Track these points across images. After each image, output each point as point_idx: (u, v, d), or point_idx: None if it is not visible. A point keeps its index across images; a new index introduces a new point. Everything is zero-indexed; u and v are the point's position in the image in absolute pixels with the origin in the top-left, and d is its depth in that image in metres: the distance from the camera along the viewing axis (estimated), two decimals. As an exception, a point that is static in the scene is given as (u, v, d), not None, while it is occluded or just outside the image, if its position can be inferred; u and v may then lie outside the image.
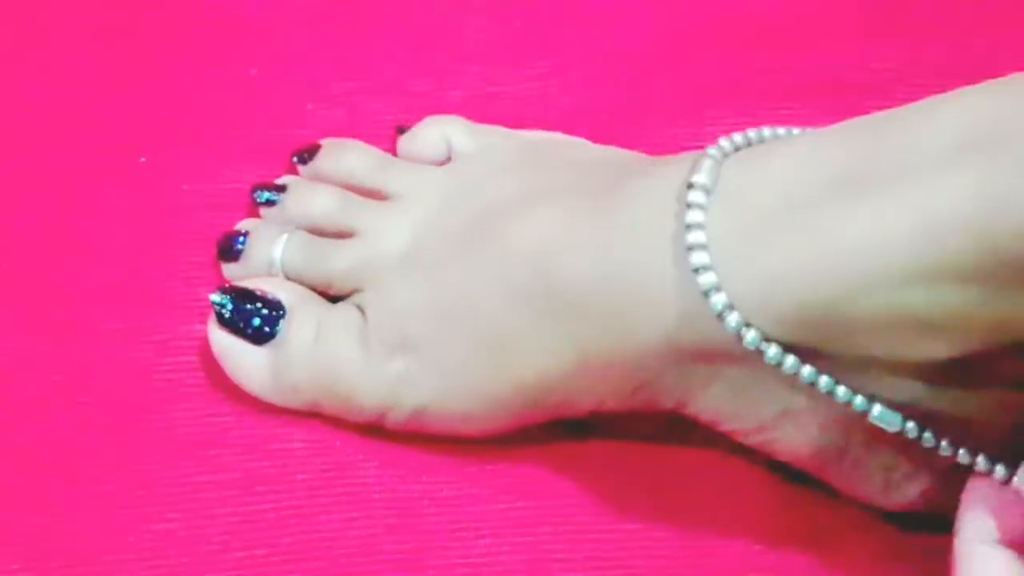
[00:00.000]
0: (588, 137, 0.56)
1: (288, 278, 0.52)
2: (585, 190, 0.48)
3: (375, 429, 0.50)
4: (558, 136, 0.56)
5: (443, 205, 0.51)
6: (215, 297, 0.51)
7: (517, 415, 0.49)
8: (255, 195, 0.55)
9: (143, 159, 0.57)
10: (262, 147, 0.56)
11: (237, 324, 0.51)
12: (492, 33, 0.61)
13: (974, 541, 0.40)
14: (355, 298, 0.51)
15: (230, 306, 0.51)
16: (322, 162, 0.56)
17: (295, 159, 0.56)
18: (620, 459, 0.49)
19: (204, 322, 0.52)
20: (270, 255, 0.53)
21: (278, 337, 0.51)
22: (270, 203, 0.55)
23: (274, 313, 0.51)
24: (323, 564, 0.47)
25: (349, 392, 0.50)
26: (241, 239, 0.54)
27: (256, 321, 0.51)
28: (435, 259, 0.50)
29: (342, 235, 0.53)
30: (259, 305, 0.51)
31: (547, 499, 0.49)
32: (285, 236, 0.53)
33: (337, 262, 0.52)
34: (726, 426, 0.46)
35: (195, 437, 0.50)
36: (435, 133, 0.55)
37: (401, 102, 0.58)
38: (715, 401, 0.45)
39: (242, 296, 0.51)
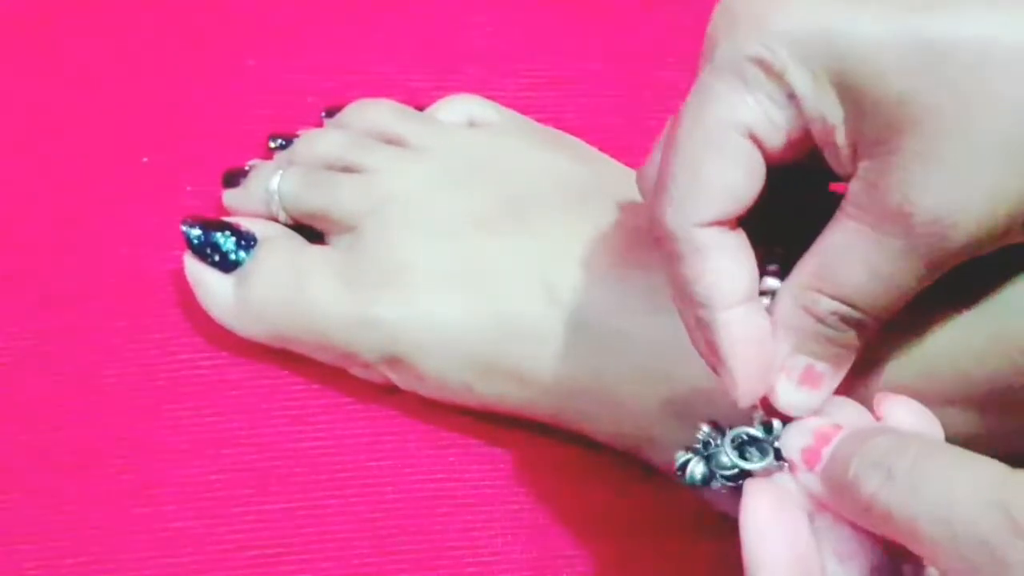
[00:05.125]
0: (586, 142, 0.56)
1: (286, 209, 0.52)
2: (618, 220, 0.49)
3: (389, 429, 0.51)
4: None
5: (466, 164, 0.51)
6: (185, 225, 0.52)
7: (496, 401, 0.49)
8: (270, 142, 0.56)
9: (145, 159, 0.58)
10: (264, 146, 0.56)
11: (204, 251, 0.51)
12: (492, 36, 0.62)
13: None
14: (344, 239, 0.51)
15: (199, 233, 0.51)
16: (347, 113, 0.55)
17: (324, 114, 0.56)
18: (630, 468, 0.50)
19: (207, 320, 0.52)
20: (268, 184, 0.53)
21: (246, 266, 0.51)
22: (283, 149, 0.55)
23: (243, 243, 0.51)
24: (336, 564, 0.48)
25: (321, 329, 0.49)
26: (246, 169, 0.54)
27: (223, 249, 0.51)
28: (460, 219, 0.49)
29: (349, 171, 0.52)
30: (228, 234, 0.51)
31: (558, 503, 0.49)
32: (285, 168, 0.53)
33: (342, 193, 0.51)
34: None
35: (205, 436, 0.51)
36: (458, 107, 0.55)
37: (401, 100, 0.59)
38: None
39: (212, 225, 0.52)
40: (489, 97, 0.56)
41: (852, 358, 0.39)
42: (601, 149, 0.55)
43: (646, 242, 0.46)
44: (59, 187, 0.57)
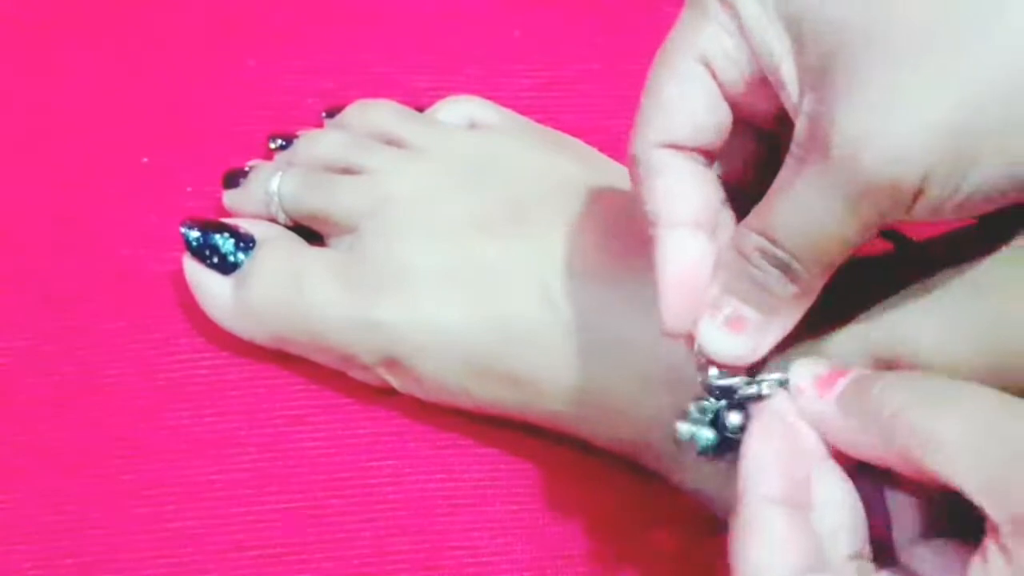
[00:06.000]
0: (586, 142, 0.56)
1: (286, 210, 0.52)
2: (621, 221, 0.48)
3: (389, 430, 0.51)
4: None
5: (466, 166, 0.51)
6: (184, 227, 0.52)
7: (494, 405, 0.49)
8: (270, 142, 0.56)
9: (145, 159, 0.58)
10: (264, 146, 0.56)
11: (203, 253, 0.51)
12: (491, 38, 0.62)
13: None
14: (344, 240, 0.51)
15: (198, 235, 0.51)
16: (348, 114, 0.55)
17: (324, 115, 0.56)
18: (629, 468, 0.49)
19: (207, 320, 0.52)
20: (267, 186, 0.53)
21: (245, 267, 0.51)
22: (283, 149, 0.55)
23: (242, 244, 0.51)
24: (337, 564, 0.48)
25: (320, 331, 0.49)
26: (246, 170, 0.54)
27: (222, 250, 0.51)
28: (459, 221, 0.49)
29: (349, 172, 0.52)
30: (227, 235, 0.51)
31: (558, 503, 0.50)
32: (285, 169, 0.53)
33: (342, 194, 0.51)
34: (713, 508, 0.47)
35: (205, 436, 0.51)
36: (458, 108, 0.55)
37: (401, 100, 0.58)
38: (703, 483, 0.46)
39: (211, 227, 0.52)
40: (489, 98, 0.56)
41: (782, 312, 0.39)
42: (601, 149, 0.55)
43: (645, 245, 0.47)
44: (59, 187, 0.57)
